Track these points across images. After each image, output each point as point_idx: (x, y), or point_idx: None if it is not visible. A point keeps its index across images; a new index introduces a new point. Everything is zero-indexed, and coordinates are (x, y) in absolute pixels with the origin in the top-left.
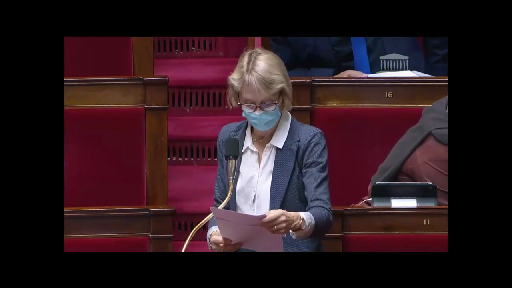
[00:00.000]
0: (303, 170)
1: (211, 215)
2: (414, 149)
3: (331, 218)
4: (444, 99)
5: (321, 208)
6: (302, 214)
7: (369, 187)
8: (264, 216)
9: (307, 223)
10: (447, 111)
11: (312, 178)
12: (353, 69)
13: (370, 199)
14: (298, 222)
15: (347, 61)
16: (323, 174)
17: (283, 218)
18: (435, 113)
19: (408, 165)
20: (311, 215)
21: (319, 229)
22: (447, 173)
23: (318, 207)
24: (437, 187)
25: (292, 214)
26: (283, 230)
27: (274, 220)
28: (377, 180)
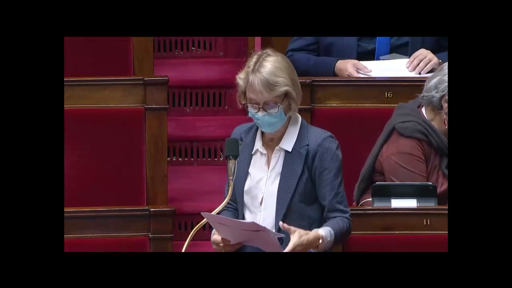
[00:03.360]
0: (318, 179)
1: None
2: (382, 146)
3: (350, 225)
4: (419, 97)
5: (341, 218)
6: (322, 232)
7: (355, 194)
8: (254, 223)
9: (326, 242)
10: (418, 108)
11: (328, 187)
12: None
13: (369, 199)
14: (317, 244)
15: (367, 59)
16: (337, 181)
17: (298, 249)
18: (404, 109)
19: (378, 162)
20: (331, 231)
21: (338, 241)
22: (407, 167)
23: (338, 217)
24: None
25: (311, 237)
26: (298, 250)
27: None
28: (358, 186)
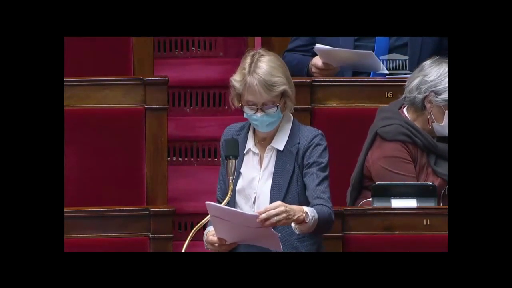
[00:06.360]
0: (304, 171)
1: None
2: (367, 152)
3: (332, 215)
4: (401, 99)
5: (323, 206)
6: (305, 207)
7: (348, 202)
8: (258, 215)
9: (310, 217)
10: (399, 110)
11: (313, 177)
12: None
13: (369, 199)
14: (302, 215)
15: None
16: (324, 174)
17: (282, 208)
18: (385, 112)
19: (366, 168)
20: (314, 210)
21: (321, 225)
22: (394, 170)
23: (319, 205)
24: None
25: (293, 206)
26: (284, 221)
27: (272, 212)
28: (350, 193)
